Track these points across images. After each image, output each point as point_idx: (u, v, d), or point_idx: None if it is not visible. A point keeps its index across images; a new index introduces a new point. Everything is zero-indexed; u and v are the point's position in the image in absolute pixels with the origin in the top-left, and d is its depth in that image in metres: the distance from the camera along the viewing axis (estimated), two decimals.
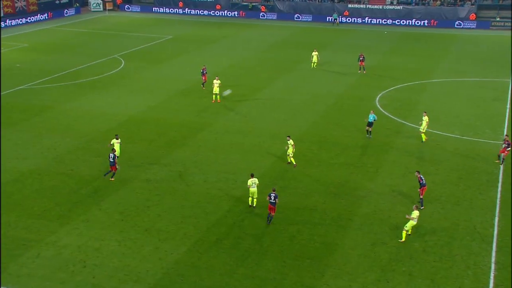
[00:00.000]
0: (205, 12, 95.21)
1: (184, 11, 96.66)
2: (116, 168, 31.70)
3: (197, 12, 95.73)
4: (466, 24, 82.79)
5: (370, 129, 38.02)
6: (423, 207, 28.62)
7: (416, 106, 44.89)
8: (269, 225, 27.19)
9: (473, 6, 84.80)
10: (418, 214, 25.67)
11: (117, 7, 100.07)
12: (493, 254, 24.91)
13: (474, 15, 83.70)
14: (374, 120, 37.88)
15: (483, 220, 27.79)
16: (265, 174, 31.79)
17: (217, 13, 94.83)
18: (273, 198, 26.87)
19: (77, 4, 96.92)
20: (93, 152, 36.02)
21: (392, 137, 38.41)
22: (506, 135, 35.47)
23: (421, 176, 28.93)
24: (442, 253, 24.98)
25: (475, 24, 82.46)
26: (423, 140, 37.42)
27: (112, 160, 31.48)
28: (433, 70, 57.40)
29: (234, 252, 25.17)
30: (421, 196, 28.92)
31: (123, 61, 60.75)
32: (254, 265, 24.23)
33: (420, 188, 28.87)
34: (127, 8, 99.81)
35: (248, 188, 28.62)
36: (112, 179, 31.87)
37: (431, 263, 24.33)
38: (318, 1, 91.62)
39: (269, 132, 39.49)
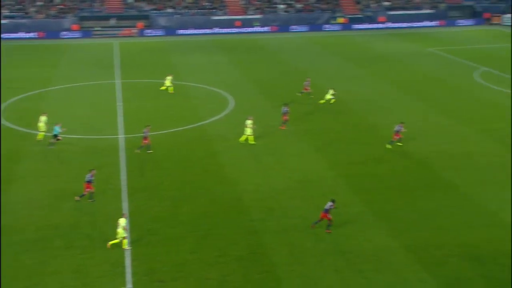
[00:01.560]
0: None
1: None
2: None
3: None
4: (71, 34, 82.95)
5: (54, 140, 36.03)
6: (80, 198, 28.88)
7: (39, 113, 43.22)
8: None
9: (75, 18, 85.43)
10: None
11: None
12: (128, 234, 25.78)
13: (77, 25, 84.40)
14: (60, 131, 36.10)
15: (117, 207, 28.42)
16: None
17: None
18: None
19: None
20: None
21: (20, 146, 36.24)
22: (148, 126, 36.31)
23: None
24: (83, 245, 24.97)
25: (79, 34, 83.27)
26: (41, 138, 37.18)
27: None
28: (50, 79, 56.00)
29: None
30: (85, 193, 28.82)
31: None
32: None
33: (89, 184, 28.69)
34: None
35: None
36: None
37: (76, 257, 24.11)
38: None
39: None
